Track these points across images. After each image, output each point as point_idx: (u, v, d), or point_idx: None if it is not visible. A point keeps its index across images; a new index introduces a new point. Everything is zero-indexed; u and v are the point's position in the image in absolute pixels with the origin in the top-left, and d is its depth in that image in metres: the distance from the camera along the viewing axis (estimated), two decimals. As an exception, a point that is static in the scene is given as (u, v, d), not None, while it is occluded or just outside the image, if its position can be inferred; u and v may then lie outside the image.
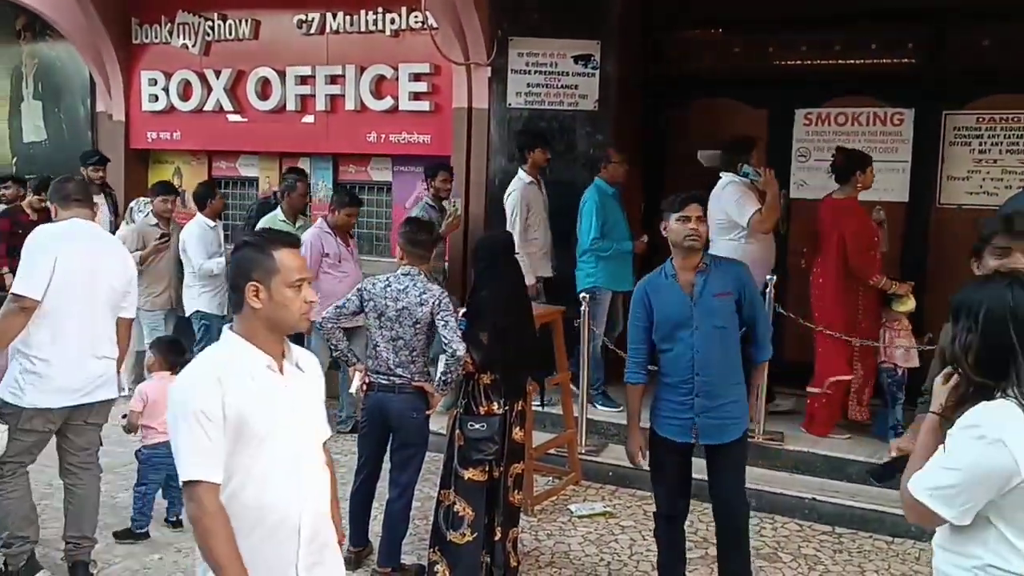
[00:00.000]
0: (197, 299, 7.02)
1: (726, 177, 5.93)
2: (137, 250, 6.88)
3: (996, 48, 6.35)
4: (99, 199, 7.59)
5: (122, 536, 4.83)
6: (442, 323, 4.23)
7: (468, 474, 4.22)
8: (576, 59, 6.76)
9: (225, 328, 2.49)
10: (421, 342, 4.36)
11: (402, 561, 4.44)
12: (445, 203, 6.72)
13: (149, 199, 7.35)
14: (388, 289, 4.37)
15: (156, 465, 4.84)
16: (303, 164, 8.06)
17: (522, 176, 6.42)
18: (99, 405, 4.29)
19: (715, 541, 4.77)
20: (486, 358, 4.23)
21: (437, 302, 4.25)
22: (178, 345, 5.22)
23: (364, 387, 4.46)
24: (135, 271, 4.50)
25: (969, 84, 6.47)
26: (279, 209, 6.81)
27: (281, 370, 2.47)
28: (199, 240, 6.95)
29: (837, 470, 5.42)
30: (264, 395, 2.40)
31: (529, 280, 6.15)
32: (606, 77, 6.72)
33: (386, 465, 4.53)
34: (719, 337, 3.78)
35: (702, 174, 6.24)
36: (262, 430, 2.37)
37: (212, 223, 7.09)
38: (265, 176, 8.25)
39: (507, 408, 4.25)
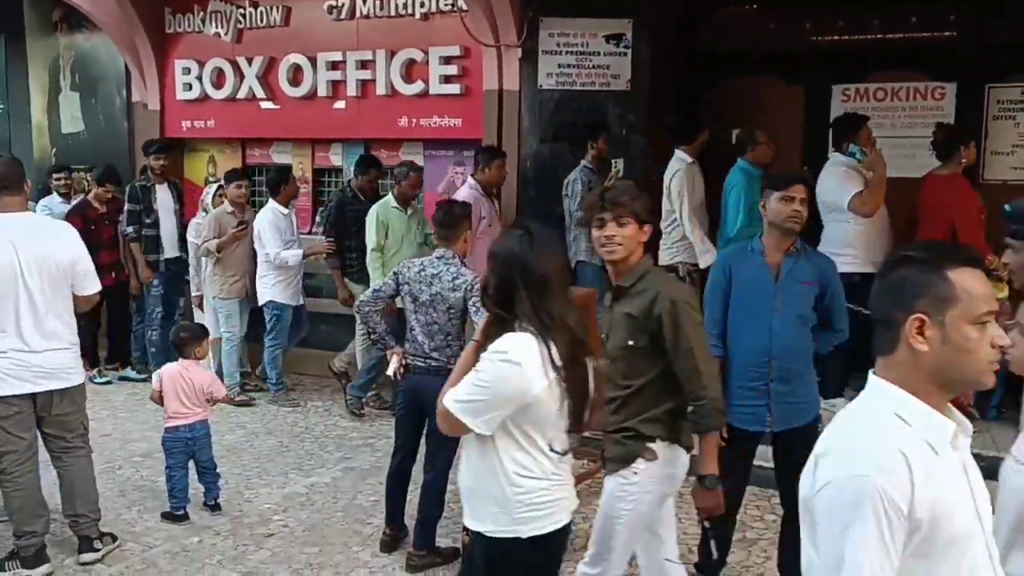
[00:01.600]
0: (270, 289, 7.02)
1: (832, 158, 5.79)
2: (214, 237, 6.97)
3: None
4: (162, 188, 7.67)
5: (165, 517, 4.93)
6: (473, 309, 4.21)
7: None
8: (608, 39, 6.67)
9: (873, 378, 1.78)
10: (456, 327, 4.35)
11: (437, 544, 4.43)
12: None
13: (215, 185, 7.48)
14: (422, 273, 4.36)
15: (171, 449, 4.93)
16: (335, 150, 8.11)
17: (683, 156, 6.20)
18: (58, 395, 4.28)
19: (754, 525, 4.78)
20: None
21: (469, 287, 4.23)
22: (179, 333, 5.23)
23: (402, 370, 4.46)
24: (79, 248, 4.34)
25: (1013, 56, 6.30)
26: (390, 195, 6.73)
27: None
28: (272, 227, 6.94)
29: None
30: (954, 480, 1.71)
31: (677, 258, 6.08)
32: (639, 56, 6.63)
33: (422, 448, 4.53)
34: (798, 324, 3.69)
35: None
36: (960, 533, 1.68)
37: (285, 210, 7.08)
38: (298, 163, 8.26)
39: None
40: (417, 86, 7.38)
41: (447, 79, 7.26)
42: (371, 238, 6.55)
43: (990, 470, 5.15)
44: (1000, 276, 5.38)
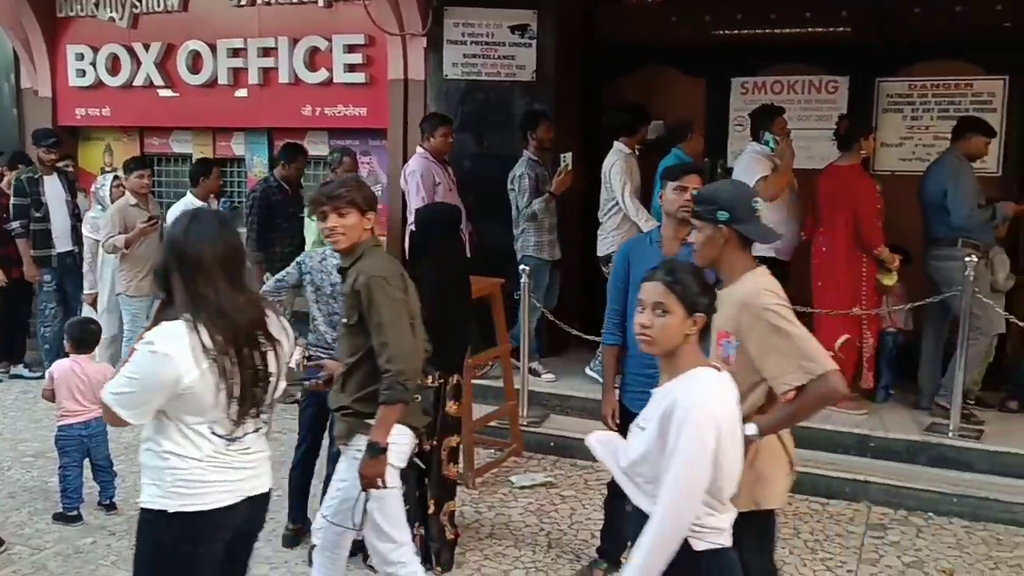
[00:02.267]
0: None
1: (749, 146, 6.00)
2: (120, 233, 6.65)
3: (927, 15, 6.42)
4: (51, 179, 7.29)
5: (57, 519, 4.76)
6: (377, 300, 4.16)
7: None
8: (512, 29, 6.68)
9: None
10: (358, 317, 4.29)
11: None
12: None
13: (110, 175, 7.15)
14: (324, 263, 4.30)
15: (64, 447, 4.77)
16: (237, 139, 7.93)
17: (622, 148, 6.18)
18: None
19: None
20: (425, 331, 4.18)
21: (371, 276, 4.18)
22: (88, 327, 5.06)
23: (304, 362, 4.37)
24: None
25: (901, 51, 6.55)
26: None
27: None
28: None
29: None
30: None
31: (612, 248, 6.01)
32: (543, 47, 6.65)
33: (325, 441, 4.48)
34: None
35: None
36: None
37: (200, 203, 6.68)
38: (199, 152, 8.05)
39: (441, 381, 4.23)
40: (321, 75, 7.28)
41: (351, 68, 7.18)
42: (312, 229, 6.31)
43: (879, 452, 5.42)
44: (889, 268, 5.63)
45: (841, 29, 6.77)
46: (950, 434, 5.22)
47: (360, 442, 3.22)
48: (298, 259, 4.46)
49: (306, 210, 6.33)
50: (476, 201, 6.44)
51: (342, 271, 3.35)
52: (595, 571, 4.14)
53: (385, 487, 3.24)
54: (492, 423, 5.78)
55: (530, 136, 6.34)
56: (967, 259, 5.17)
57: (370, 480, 3.18)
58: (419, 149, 6.37)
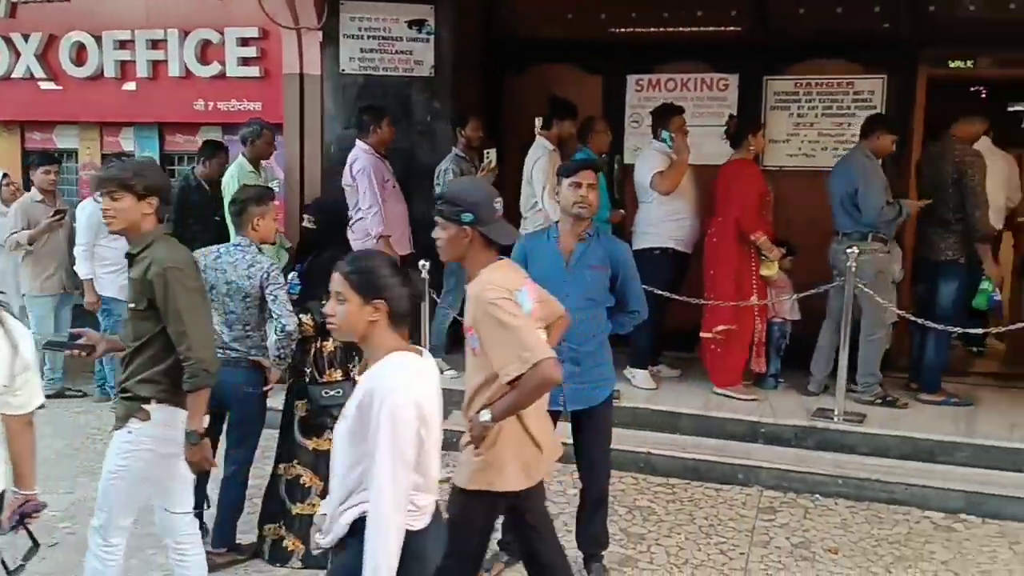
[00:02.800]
0: (96, 281, 6.37)
1: (650, 144, 6.17)
2: (23, 229, 6.34)
3: (812, 15, 6.66)
4: None
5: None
6: (271, 297, 4.11)
7: (312, 444, 4.21)
8: (410, 24, 6.65)
9: None
10: (254, 316, 4.22)
11: (238, 541, 4.31)
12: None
13: (2, 174, 6.92)
14: (218, 261, 4.21)
15: None
16: (126, 134, 7.68)
17: (545, 144, 6.17)
18: None
19: (557, 500, 4.93)
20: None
21: (265, 275, 4.12)
22: None
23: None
24: None
25: (788, 50, 6.78)
26: (241, 158, 6.25)
27: None
28: (90, 217, 6.24)
29: (670, 424, 5.64)
30: None
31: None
32: (441, 43, 6.66)
33: (222, 444, 4.38)
34: (590, 308, 3.79)
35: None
36: None
37: None
38: (85, 148, 7.77)
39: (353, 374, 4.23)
40: (213, 68, 7.12)
41: (245, 61, 7.06)
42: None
43: (769, 437, 5.61)
44: (766, 256, 5.82)
45: (731, 28, 6.96)
46: (835, 419, 5.45)
47: (133, 424, 3.30)
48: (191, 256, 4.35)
49: (231, 182, 6.12)
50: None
51: (130, 256, 3.36)
52: (496, 565, 4.18)
53: (214, 467, 3.45)
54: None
55: (459, 133, 6.36)
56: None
57: (197, 464, 3.32)
58: (361, 144, 6.22)
